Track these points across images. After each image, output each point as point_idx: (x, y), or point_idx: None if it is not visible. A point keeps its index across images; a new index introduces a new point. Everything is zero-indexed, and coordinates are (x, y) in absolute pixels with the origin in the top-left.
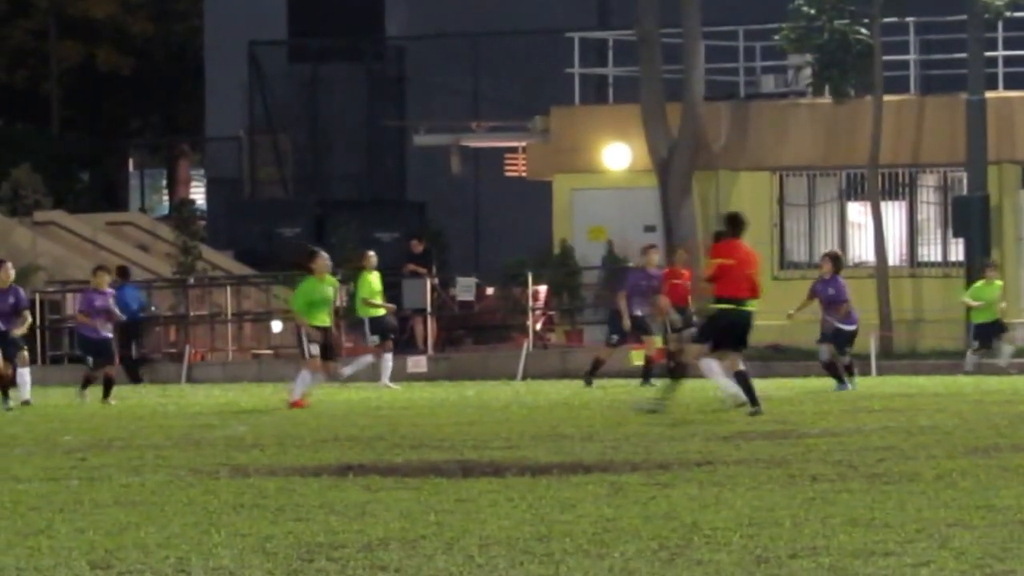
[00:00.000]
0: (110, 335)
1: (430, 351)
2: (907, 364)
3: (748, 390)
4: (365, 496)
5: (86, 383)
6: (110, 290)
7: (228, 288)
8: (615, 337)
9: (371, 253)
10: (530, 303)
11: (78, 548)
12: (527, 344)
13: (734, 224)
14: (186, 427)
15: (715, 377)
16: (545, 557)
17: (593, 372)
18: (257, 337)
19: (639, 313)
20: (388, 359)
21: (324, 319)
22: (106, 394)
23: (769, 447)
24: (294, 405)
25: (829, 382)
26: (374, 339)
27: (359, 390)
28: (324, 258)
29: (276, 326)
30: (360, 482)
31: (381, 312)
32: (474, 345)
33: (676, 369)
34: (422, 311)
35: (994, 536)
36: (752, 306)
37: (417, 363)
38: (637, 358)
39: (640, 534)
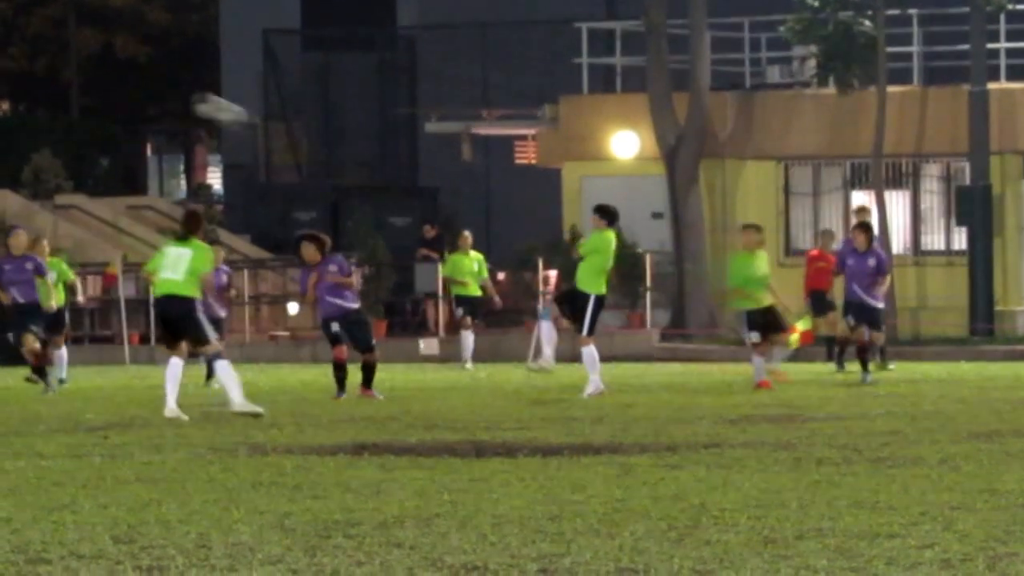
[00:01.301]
0: (222, 314)
1: (442, 334)
2: (911, 350)
3: None
4: (380, 475)
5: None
6: (225, 267)
7: (245, 271)
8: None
9: (466, 233)
10: (541, 288)
11: (101, 523)
12: (537, 328)
13: None
14: (205, 406)
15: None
16: (556, 536)
17: (842, 354)
18: (274, 319)
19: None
20: (467, 337)
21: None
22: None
23: (775, 431)
24: (762, 385)
25: (829, 367)
26: (459, 311)
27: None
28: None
29: (292, 308)
30: (375, 461)
31: (468, 291)
32: (486, 328)
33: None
34: (434, 295)
35: (997, 519)
36: None
37: (429, 345)
38: (794, 342)
39: (649, 514)
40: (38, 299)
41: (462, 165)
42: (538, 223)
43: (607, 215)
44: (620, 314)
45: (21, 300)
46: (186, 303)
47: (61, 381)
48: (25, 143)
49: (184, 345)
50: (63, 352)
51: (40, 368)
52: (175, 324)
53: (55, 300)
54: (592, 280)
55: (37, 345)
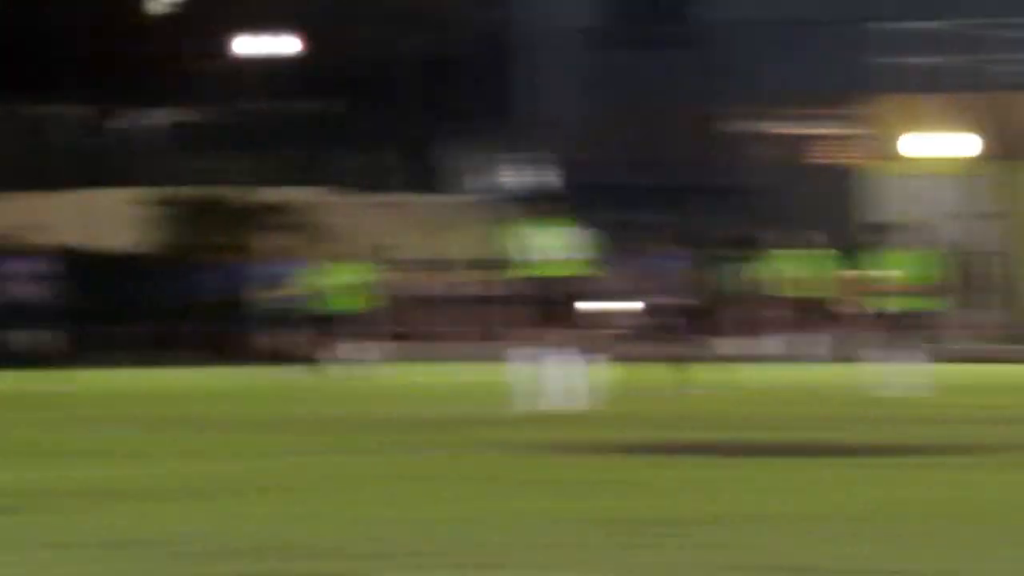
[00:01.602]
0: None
1: (772, 333)
2: None
3: None
4: (703, 473)
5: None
6: None
7: None
8: None
9: (804, 234)
10: (849, 292)
11: (407, 520)
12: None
13: None
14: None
15: None
16: (890, 538)
17: None
18: None
19: None
20: (805, 337)
21: None
22: None
23: None
24: None
25: None
26: (794, 313)
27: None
28: None
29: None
30: (696, 460)
31: (803, 291)
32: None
33: None
34: (762, 295)
35: None
36: None
37: (759, 345)
38: None
39: (987, 518)
40: (304, 299)
41: (772, 163)
42: (846, 224)
43: (895, 233)
44: (950, 316)
45: (291, 303)
46: (576, 283)
47: (364, 377)
48: (349, 141)
49: (558, 335)
50: (368, 349)
51: (312, 359)
52: (561, 306)
53: (352, 304)
54: (921, 298)
55: (305, 343)
